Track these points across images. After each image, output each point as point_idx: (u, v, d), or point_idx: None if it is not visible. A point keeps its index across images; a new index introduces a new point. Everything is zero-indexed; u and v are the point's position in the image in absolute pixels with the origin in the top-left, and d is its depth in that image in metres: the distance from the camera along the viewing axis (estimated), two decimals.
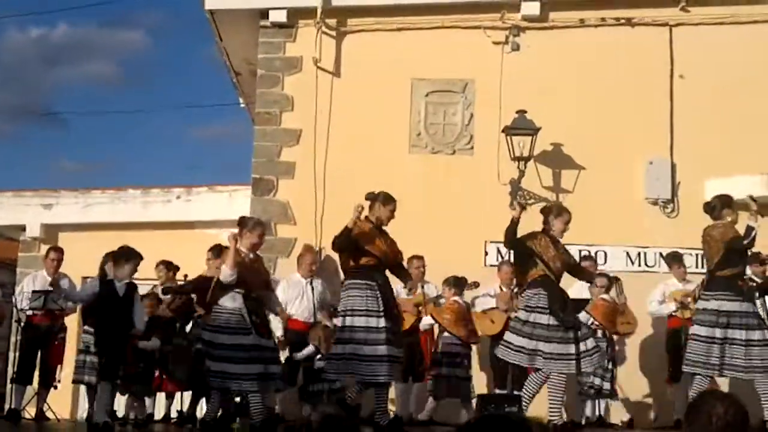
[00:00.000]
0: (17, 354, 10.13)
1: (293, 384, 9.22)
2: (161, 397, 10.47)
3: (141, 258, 8.73)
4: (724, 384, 8.73)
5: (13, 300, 10.43)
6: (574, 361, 7.72)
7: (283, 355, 9.13)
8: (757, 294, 8.63)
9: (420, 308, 9.67)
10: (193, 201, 13.17)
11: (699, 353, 7.90)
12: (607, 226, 10.85)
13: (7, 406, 10.08)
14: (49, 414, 10.04)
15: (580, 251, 10.33)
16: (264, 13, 11.72)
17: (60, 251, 10.29)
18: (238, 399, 8.50)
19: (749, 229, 7.90)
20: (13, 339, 11.82)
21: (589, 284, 9.15)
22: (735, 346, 7.79)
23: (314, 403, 8.95)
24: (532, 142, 10.93)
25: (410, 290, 8.49)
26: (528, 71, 11.30)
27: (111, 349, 8.52)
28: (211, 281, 9.44)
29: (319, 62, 11.50)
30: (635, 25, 11.50)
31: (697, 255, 10.47)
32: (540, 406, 8.04)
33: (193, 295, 9.37)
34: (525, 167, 11.03)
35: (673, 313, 9.90)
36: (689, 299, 9.66)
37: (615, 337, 9.96)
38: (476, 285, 9.94)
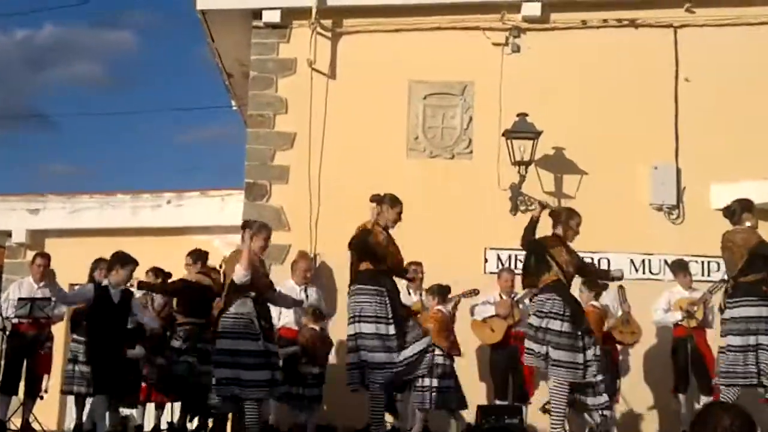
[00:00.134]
0: (2, 363, 9.86)
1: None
2: (150, 407, 10.27)
3: (136, 264, 8.69)
4: None
5: None
6: (581, 371, 7.56)
7: None
8: None
9: (417, 315, 9.41)
10: (185, 206, 13.04)
11: (736, 364, 7.63)
12: (610, 233, 10.58)
13: None
14: (35, 425, 9.82)
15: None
16: (257, 14, 11.52)
17: (47, 257, 10.08)
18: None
19: None
20: None
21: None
22: (766, 352, 7.54)
23: (297, 407, 8.97)
24: (533, 146, 10.71)
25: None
26: (529, 73, 11.12)
27: (104, 358, 8.37)
28: (193, 286, 9.28)
29: (313, 64, 11.30)
30: (639, 26, 11.33)
31: (703, 262, 10.36)
32: (540, 416, 7.79)
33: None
34: (526, 172, 10.80)
35: (679, 322, 9.73)
36: (695, 308, 9.59)
37: (618, 346, 9.77)
38: (476, 293, 9.76)
